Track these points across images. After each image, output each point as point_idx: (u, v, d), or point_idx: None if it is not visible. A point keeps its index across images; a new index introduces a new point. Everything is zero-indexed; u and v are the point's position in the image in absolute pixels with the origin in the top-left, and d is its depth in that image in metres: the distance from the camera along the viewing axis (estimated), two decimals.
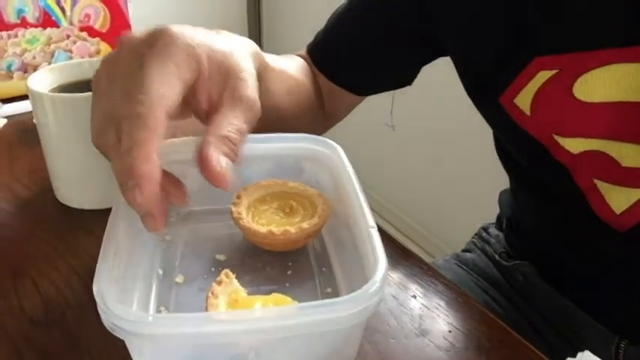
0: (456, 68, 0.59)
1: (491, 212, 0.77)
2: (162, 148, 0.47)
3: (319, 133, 0.60)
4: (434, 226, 1.88)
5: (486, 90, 0.54)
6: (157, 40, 0.35)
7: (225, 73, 0.37)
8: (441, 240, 1.85)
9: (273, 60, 0.54)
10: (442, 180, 1.81)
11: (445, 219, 1.83)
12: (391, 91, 0.68)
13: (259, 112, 0.39)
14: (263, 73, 0.50)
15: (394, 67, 0.64)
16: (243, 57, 0.40)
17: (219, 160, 0.34)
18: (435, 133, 1.80)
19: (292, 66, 0.62)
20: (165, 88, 0.33)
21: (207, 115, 0.38)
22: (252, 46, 0.44)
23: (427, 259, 1.74)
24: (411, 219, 1.97)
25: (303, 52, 0.67)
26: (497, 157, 0.66)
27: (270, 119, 0.57)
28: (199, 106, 0.38)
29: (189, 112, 0.40)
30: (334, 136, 0.71)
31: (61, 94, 0.51)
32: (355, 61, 0.64)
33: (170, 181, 0.37)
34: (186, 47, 0.35)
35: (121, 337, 0.31)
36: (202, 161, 0.34)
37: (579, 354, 0.39)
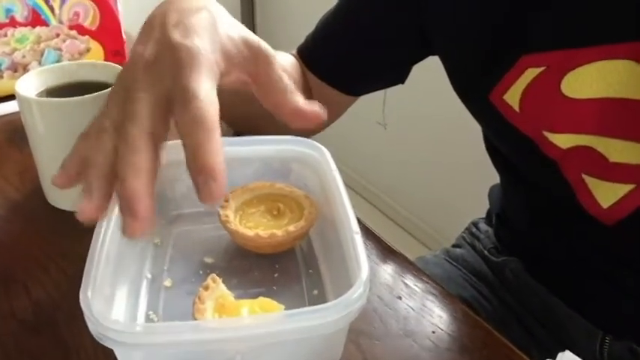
0: (445, 67, 0.60)
1: (483, 204, 0.78)
2: None
3: (309, 135, 0.60)
4: (428, 218, 1.90)
5: (475, 88, 0.55)
6: (181, 56, 0.35)
7: (251, 55, 0.39)
8: (435, 231, 1.86)
9: None
10: (436, 174, 1.82)
11: (439, 211, 1.84)
12: (382, 90, 0.68)
13: None
14: None
15: (386, 66, 0.64)
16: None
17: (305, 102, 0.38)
18: (426, 131, 1.81)
19: (284, 61, 0.63)
20: (211, 92, 0.34)
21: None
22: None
23: (421, 249, 1.74)
24: (406, 211, 1.98)
25: (294, 51, 0.68)
26: None
27: (262, 115, 0.58)
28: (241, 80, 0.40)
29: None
30: (327, 134, 0.71)
31: (48, 98, 0.51)
32: (347, 62, 0.64)
33: None
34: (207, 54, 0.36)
35: (110, 347, 0.32)
36: (296, 110, 0.38)
37: (560, 354, 0.39)
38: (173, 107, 0.33)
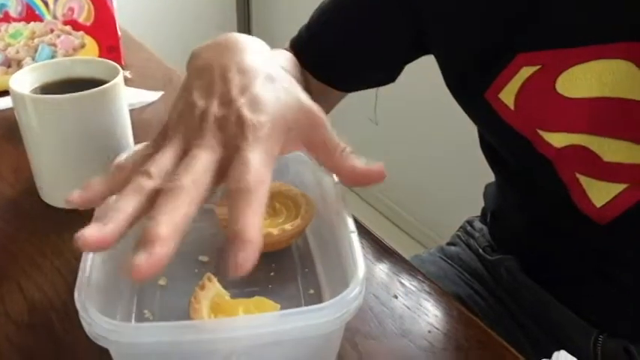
0: (439, 65, 0.60)
1: (478, 202, 0.78)
2: None
3: None
4: (423, 216, 1.90)
5: (471, 86, 0.54)
6: (248, 132, 0.35)
7: (308, 122, 0.39)
8: (429, 229, 1.86)
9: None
10: (431, 172, 1.82)
11: (434, 209, 1.84)
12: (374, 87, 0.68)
13: None
14: None
15: (378, 64, 0.64)
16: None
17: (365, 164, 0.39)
18: (420, 128, 1.81)
19: (285, 62, 0.63)
20: (266, 171, 0.35)
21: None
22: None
23: (416, 247, 1.74)
24: (400, 208, 1.98)
25: (287, 46, 0.67)
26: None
27: None
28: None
29: None
30: None
31: (43, 95, 0.51)
32: (339, 59, 0.64)
33: None
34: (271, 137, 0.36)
35: (105, 346, 0.31)
36: (357, 173, 0.39)
37: (555, 353, 0.39)
38: (227, 175, 0.34)
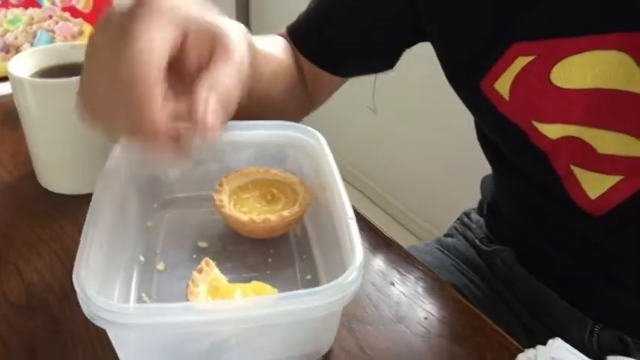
0: (437, 53, 0.60)
1: (475, 194, 0.78)
2: None
3: (303, 116, 0.60)
4: (420, 209, 1.90)
5: (467, 75, 0.54)
6: (141, 8, 0.35)
7: (212, 38, 0.37)
8: (426, 222, 1.87)
9: (258, 42, 0.55)
10: (427, 164, 1.82)
11: (430, 201, 1.84)
12: (373, 75, 0.68)
13: (246, 79, 0.38)
14: (253, 56, 0.50)
15: (376, 50, 0.64)
16: (233, 30, 0.38)
17: (209, 101, 0.33)
18: (418, 121, 1.81)
19: (276, 47, 0.62)
20: (152, 44, 0.33)
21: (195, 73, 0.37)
22: (241, 26, 0.43)
23: (413, 240, 1.74)
24: (397, 201, 1.98)
25: (283, 30, 0.67)
26: None
27: (261, 103, 0.58)
28: (189, 63, 0.37)
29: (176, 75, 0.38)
30: (317, 118, 0.71)
31: (42, 79, 0.51)
32: (337, 44, 0.64)
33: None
34: (170, 12, 0.35)
35: (102, 327, 0.32)
36: (193, 105, 0.33)
37: (550, 341, 0.40)
38: None
